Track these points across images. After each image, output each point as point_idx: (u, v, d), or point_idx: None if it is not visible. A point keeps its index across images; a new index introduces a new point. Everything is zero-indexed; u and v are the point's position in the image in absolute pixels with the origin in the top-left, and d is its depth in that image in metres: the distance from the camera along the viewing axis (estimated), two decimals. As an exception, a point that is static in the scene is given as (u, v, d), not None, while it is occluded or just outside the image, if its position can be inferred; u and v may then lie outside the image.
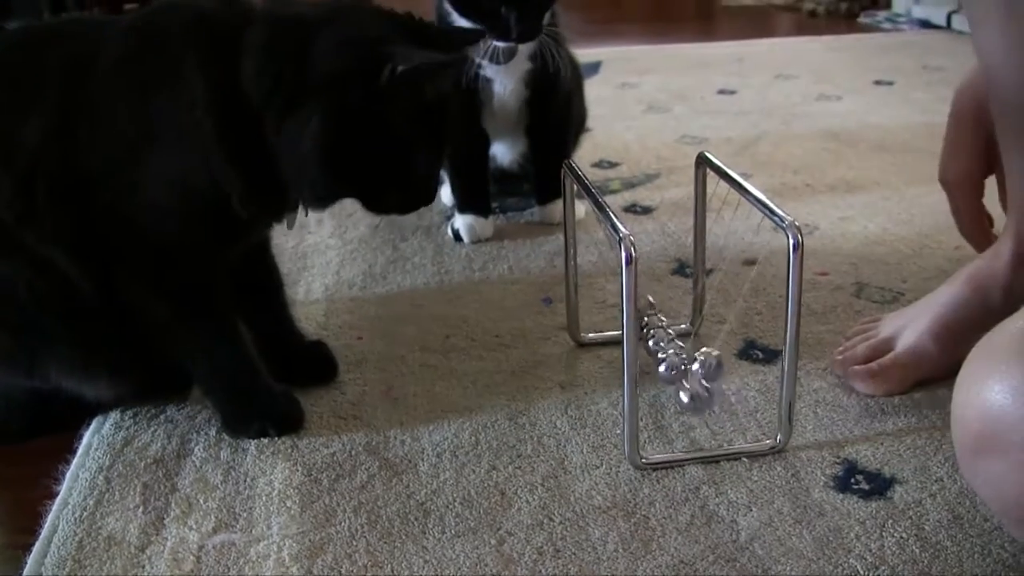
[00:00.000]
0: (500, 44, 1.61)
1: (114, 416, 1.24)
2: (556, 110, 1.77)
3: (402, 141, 1.07)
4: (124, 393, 1.23)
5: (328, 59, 1.03)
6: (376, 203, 1.15)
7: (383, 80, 1.02)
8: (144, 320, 1.14)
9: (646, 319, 1.23)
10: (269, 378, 1.20)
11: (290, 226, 1.21)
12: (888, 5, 3.98)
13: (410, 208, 1.16)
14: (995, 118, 1.23)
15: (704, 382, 1.10)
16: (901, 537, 0.97)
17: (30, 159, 1.08)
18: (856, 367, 1.23)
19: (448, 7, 1.62)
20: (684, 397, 1.11)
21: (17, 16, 2.97)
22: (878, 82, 2.83)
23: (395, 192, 1.12)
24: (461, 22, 1.62)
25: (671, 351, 1.14)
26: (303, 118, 1.03)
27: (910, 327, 1.25)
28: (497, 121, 1.74)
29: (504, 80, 1.69)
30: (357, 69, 1.03)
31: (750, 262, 1.58)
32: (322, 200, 1.12)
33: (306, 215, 1.18)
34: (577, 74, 1.86)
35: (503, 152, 1.85)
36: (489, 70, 1.66)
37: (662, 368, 1.14)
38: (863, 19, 3.92)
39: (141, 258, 1.12)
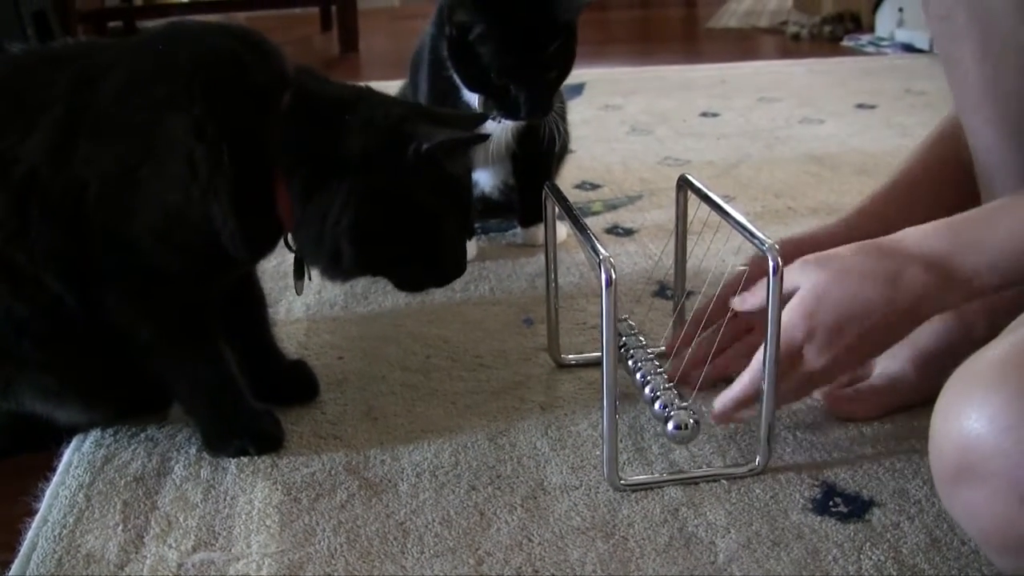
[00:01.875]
0: (508, 121, 1.61)
1: (94, 434, 1.24)
2: (542, 140, 1.76)
3: (428, 216, 1.11)
4: (97, 418, 1.24)
5: (356, 138, 1.07)
6: (408, 279, 1.20)
7: (409, 157, 1.06)
8: (127, 339, 1.14)
9: (626, 340, 1.24)
10: (250, 397, 1.20)
11: (299, 291, 1.24)
12: (871, 29, 4.00)
13: (443, 281, 1.20)
14: (974, 156, 1.23)
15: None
16: (879, 560, 0.97)
17: (27, 176, 1.08)
18: (834, 392, 1.23)
19: (455, 79, 1.60)
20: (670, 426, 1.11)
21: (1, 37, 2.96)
22: (861, 106, 2.84)
23: (426, 267, 1.16)
24: (469, 96, 1.61)
25: (672, 397, 1.14)
26: (330, 195, 1.07)
27: (891, 353, 1.24)
28: (483, 150, 1.73)
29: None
30: (384, 148, 1.07)
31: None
32: (345, 275, 1.15)
33: (309, 279, 1.21)
34: (561, 99, 1.86)
35: (486, 179, 1.86)
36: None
37: (657, 406, 1.14)
38: (846, 43, 3.94)
39: (132, 280, 1.12)
